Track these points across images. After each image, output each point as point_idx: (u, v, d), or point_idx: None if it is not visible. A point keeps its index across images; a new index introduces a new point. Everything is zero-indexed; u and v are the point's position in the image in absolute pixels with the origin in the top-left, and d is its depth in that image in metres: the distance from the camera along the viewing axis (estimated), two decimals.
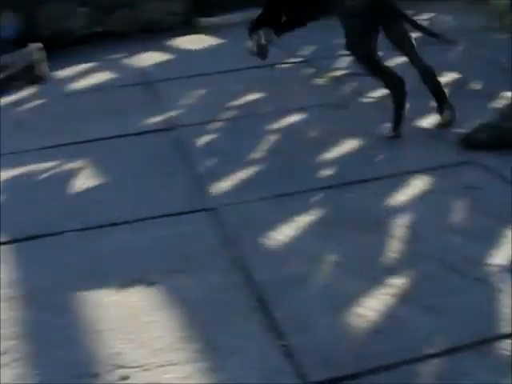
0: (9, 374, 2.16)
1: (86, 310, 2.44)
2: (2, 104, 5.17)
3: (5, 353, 2.26)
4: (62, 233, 3.01)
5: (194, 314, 2.36)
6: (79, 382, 2.10)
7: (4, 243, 3.00)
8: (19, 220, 3.21)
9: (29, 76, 5.61)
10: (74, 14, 7.10)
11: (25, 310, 2.49)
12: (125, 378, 2.09)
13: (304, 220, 2.93)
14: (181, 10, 7.25)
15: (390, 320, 2.25)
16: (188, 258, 2.70)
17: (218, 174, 3.44)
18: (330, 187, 3.24)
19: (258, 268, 2.60)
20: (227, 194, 3.25)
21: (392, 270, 2.52)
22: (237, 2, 7.40)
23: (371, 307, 2.31)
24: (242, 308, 2.38)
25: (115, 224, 3.04)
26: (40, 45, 5.83)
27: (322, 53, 5.65)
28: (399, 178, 3.25)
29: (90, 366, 2.16)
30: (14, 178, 3.71)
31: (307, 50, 5.77)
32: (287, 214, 2.98)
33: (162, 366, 2.13)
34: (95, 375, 2.11)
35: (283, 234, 2.83)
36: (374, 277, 2.48)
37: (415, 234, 2.76)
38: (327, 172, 3.39)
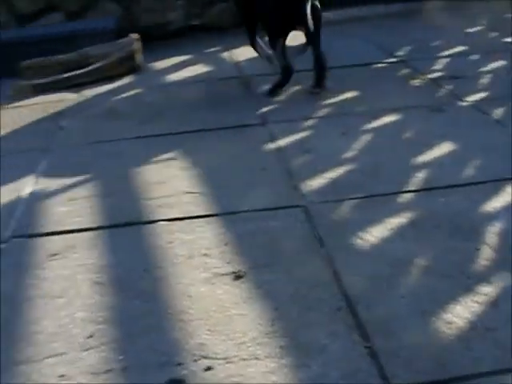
0: (94, 357, 2.20)
1: (173, 298, 2.46)
2: (99, 92, 5.29)
3: (91, 336, 2.30)
4: (154, 222, 3.05)
5: (280, 310, 2.36)
6: (164, 369, 2.12)
7: (96, 229, 3.06)
8: (112, 207, 3.27)
9: (126, 66, 5.72)
10: (172, 6, 7.19)
11: (113, 296, 2.53)
12: (208, 368, 2.10)
13: (395, 222, 2.89)
14: None
15: (478, 329, 2.20)
16: (277, 253, 2.70)
17: (310, 172, 3.43)
18: (422, 190, 3.18)
19: (347, 268, 2.58)
20: (318, 192, 3.23)
21: (483, 278, 2.46)
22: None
23: (459, 314, 2.26)
24: (329, 307, 2.36)
25: (208, 215, 3.07)
26: (137, 36, 5.93)
27: (419, 53, 5.58)
28: (493, 184, 3.17)
29: (175, 354, 2.18)
30: (109, 166, 3.78)
31: (404, 50, 5.71)
32: (378, 215, 2.94)
33: (246, 359, 2.13)
34: (179, 364, 2.13)
35: (373, 235, 2.79)
36: (464, 283, 2.43)
37: (508, 242, 2.69)
38: (420, 175, 3.34)
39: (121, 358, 2.19)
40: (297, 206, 3.09)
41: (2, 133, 4.61)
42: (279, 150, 3.78)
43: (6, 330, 2.39)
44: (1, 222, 3.23)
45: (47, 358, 2.22)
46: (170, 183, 3.44)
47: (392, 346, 2.13)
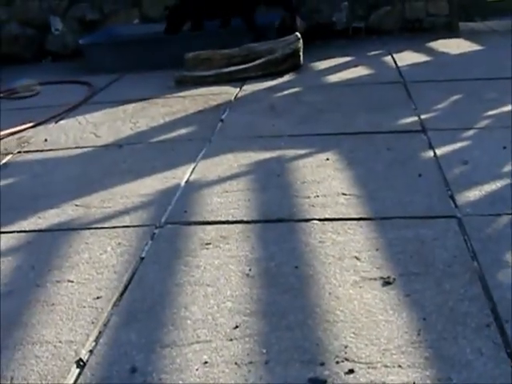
0: (237, 348, 2.24)
1: (321, 298, 2.48)
2: (260, 88, 5.37)
3: (237, 327, 2.35)
4: (307, 220, 3.07)
5: (427, 321, 2.32)
6: (306, 367, 2.13)
7: (250, 222, 3.12)
8: (267, 202, 3.32)
9: (288, 64, 5.79)
10: (337, 7, 7.21)
11: (262, 289, 2.57)
12: (350, 371, 2.10)
13: None
14: (442, 12, 7.14)
15: None
16: (427, 262, 2.66)
17: (467, 183, 3.36)
18: None
19: (498, 283, 2.51)
20: (474, 204, 3.16)
21: None
22: (497, 9, 7.21)
23: None
24: (476, 322, 2.30)
25: (361, 219, 3.06)
26: (299, 35, 5.98)
27: None
28: None
29: (318, 354, 2.19)
30: (266, 161, 3.84)
31: None
32: None
33: (388, 366, 2.11)
34: (322, 364, 2.14)
35: None
36: None
37: None
38: None
39: (264, 351, 2.22)
40: (451, 217, 3.03)
41: (163, 121, 4.77)
42: (437, 158, 3.71)
43: (154, 312, 2.48)
44: (158, 208, 3.35)
45: (192, 343, 2.28)
46: (324, 183, 3.45)
47: None
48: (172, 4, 6.74)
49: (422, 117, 4.39)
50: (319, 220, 3.06)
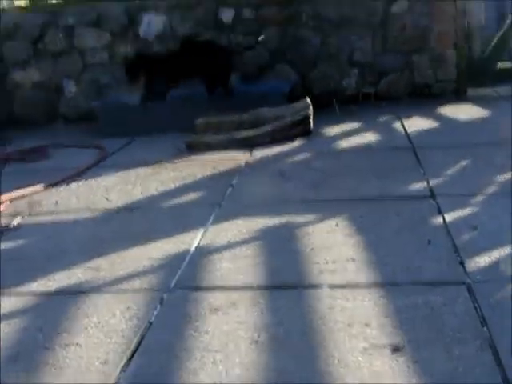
0: None
1: (330, 365, 2.46)
2: (269, 153, 5.42)
3: None
4: (316, 286, 3.07)
5: None
6: None
7: (259, 288, 3.12)
8: (276, 267, 3.32)
9: (298, 130, 5.84)
10: (346, 73, 7.30)
11: (270, 356, 2.56)
12: None
13: None
14: (451, 78, 7.22)
15: None
16: (437, 329, 2.65)
17: (476, 249, 3.35)
18: None
19: (508, 350, 2.49)
20: (484, 270, 3.15)
21: None
22: (506, 75, 7.29)
23: None
24: None
25: (370, 285, 3.06)
26: (309, 101, 6.04)
27: None
28: None
29: None
30: (275, 227, 3.86)
31: None
32: None
33: None
34: None
35: None
36: None
37: None
38: None
39: None
40: (461, 283, 3.02)
41: (173, 186, 4.80)
42: (446, 223, 3.72)
43: (162, 377, 2.48)
44: (168, 272, 3.36)
45: None
46: (334, 249, 3.46)
47: None
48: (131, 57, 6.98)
49: (431, 182, 4.40)
50: (328, 286, 3.05)
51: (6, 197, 4.82)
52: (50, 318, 3.02)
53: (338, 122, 6.26)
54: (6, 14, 7.92)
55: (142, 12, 7.49)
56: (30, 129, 7.46)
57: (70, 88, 7.76)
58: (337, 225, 3.78)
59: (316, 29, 7.23)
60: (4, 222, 4.40)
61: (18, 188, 5.04)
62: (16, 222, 4.37)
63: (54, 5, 8.75)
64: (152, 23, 7.48)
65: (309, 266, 3.29)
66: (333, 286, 3.05)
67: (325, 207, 4.07)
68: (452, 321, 2.71)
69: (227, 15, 7.32)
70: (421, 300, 2.87)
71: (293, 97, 6.43)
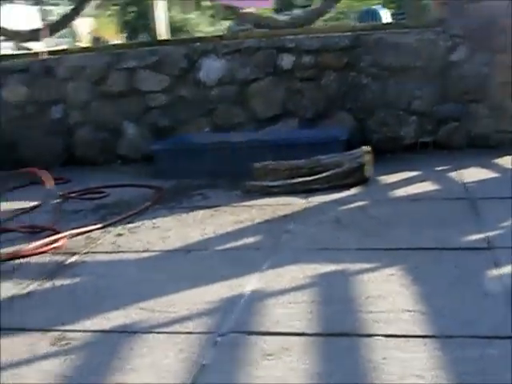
0: None
1: None
2: (326, 200, 5.43)
3: None
4: (370, 336, 3.05)
5: None
6: None
7: (312, 335, 3.11)
8: (330, 315, 3.31)
9: (355, 177, 5.85)
10: (405, 121, 7.29)
11: None
12: None
13: None
14: (510, 128, 7.17)
15: None
16: (493, 383, 2.61)
17: None
18: None
19: None
20: None
21: None
22: None
23: None
24: None
25: (425, 336, 3.02)
26: (368, 148, 6.05)
27: None
28: None
29: None
30: (330, 274, 3.85)
31: None
32: None
33: None
34: None
35: None
36: None
37: None
38: None
39: None
40: None
41: (230, 229, 4.84)
42: (503, 276, 3.67)
43: None
44: (222, 315, 3.37)
45: None
46: (389, 298, 3.44)
47: None
48: None
49: (488, 234, 4.35)
50: (382, 336, 3.03)
51: (64, 234, 4.91)
52: (103, 356, 3.06)
53: (395, 170, 6.25)
54: (69, 56, 8.13)
55: (202, 56, 7.62)
56: (88, 169, 7.61)
57: (130, 129, 7.90)
58: (392, 274, 3.76)
59: (375, 76, 7.25)
60: (61, 258, 4.48)
61: (76, 226, 5.13)
62: (73, 259, 4.44)
63: (116, 46, 8.96)
64: (212, 67, 7.59)
65: (363, 314, 3.27)
66: (387, 336, 3.03)
67: (380, 256, 4.05)
68: (508, 375, 2.66)
69: (286, 61, 7.40)
70: (477, 353, 2.83)
71: (350, 144, 6.44)
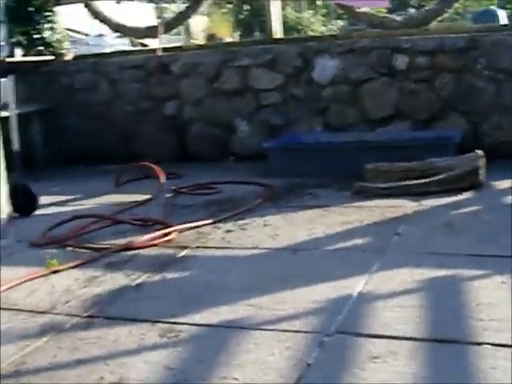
0: None
1: None
2: (437, 204, 5.35)
3: None
4: (479, 344, 2.99)
5: None
6: None
7: (420, 340, 3.08)
8: (439, 320, 3.27)
9: (468, 181, 5.73)
10: None
11: None
12: None
13: None
14: None
15: None
16: None
17: None
18: None
19: None
20: None
21: None
22: None
23: None
24: None
25: None
26: (481, 153, 5.92)
27: None
28: None
29: None
30: (440, 279, 3.80)
31: None
32: None
33: None
34: None
35: None
36: None
37: None
38: None
39: None
40: None
41: (339, 230, 4.83)
42: None
43: None
44: (329, 316, 3.37)
45: None
46: (499, 307, 3.35)
47: None
48: None
49: None
50: (492, 345, 2.97)
51: (175, 228, 5.01)
52: (210, 350, 3.11)
53: (510, 175, 6.09)
54: (184, 53, 8.28)
55: (317, 55, 7.62)
56: (201, 165, 7.73)
57: (243, 127, 7.98)
58: (503, 282, 3.67)
59: (490, 78, 7.09)
60: (172, 252, 4.57)
61: (187, 220, 5.22)
62: (183, 253, 4.52)
63: (230, 44, 9.06)
64: (326, 67, 7.59)
65: (472, 322, 3.21)
66: (496, 345, 2.96)
67: (492, 262, 3.97)
68: None
69: (401, 61, 7.32)
70: None
71: (463, 147, 6.32)
